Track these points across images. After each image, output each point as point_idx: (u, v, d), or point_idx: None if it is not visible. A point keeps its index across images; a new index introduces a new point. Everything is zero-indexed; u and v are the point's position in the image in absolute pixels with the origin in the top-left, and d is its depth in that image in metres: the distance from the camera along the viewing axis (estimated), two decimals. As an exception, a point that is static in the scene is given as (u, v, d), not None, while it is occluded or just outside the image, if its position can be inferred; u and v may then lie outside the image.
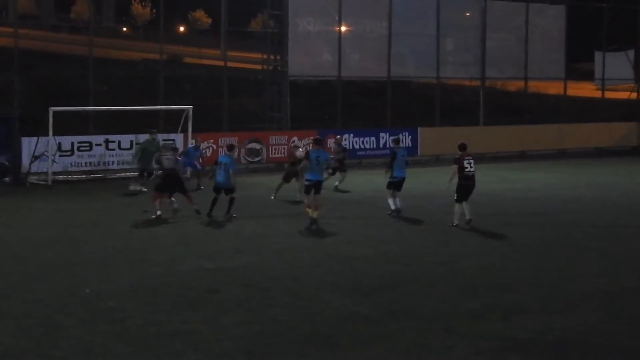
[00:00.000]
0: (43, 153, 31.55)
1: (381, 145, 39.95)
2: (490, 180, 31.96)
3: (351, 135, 39.56)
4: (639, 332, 13.94)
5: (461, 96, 50.45)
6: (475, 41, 44.78)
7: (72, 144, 32.62)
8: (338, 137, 32.99)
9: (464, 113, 45.65)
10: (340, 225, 23.33)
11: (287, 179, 28.02)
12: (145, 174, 29.41)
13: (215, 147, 35.38)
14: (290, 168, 27.83)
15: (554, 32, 47.20)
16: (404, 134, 41.01)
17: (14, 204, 27.11)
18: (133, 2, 60.34)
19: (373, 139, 40.39)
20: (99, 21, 53.77)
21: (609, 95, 50.97)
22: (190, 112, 33.75)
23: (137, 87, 41.76)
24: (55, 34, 58.06)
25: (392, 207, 24.68)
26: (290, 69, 39.33)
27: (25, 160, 31.68)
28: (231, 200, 24.26)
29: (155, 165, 27.80)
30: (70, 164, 32.57)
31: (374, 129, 41.22)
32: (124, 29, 62.37)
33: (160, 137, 32.07)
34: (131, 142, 33.34)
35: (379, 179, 25.86)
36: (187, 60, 53.12)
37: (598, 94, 50.14)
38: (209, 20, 57.62)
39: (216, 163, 24.97)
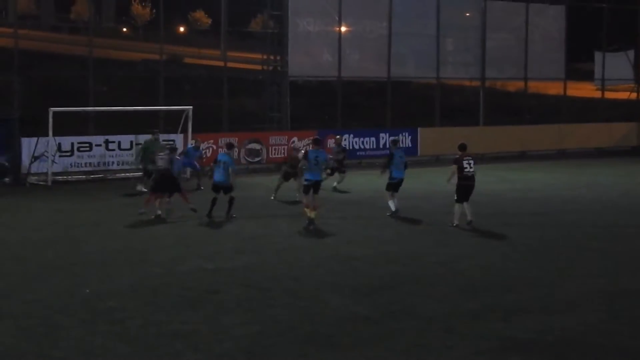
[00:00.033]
0: (43, 153, 31.54)
1: (381, 146, 39.94)
2: (490, 180, 31.96)
3: (351, 135, 39.56)
4: (639, 332, 13.94)
5: (461, 96, 50.46)
6: (475, 41, 44.79)
7: (72, 144, 32.61)
8: (338, 137, 32.99)
9: (463, 113, 45.65)
10: (340, 225, 23.33)
11: (286, 178, 28.04)
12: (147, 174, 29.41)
13: (215, 147, 35.35)
14: (289, 169, 27.83)
15: (554, 33, 47.21)
16: (403, 134, 41.06)
17: (14, 205, 27.10)
18: (133, 2, 60.27)
19: (373, 139, 40.38)
20: (99, 21, 53.70)
21: (609, 95, 50.98)
22: (190, 113, 33.75)
23: (137, 87, 41.77)
24: (55, 35, 58.06)
25: (393, 208, 24.68)
26: (290, 69, 39.33)
27: (25, 160, 31.68)
28: (231, 201, 24.26)
29: (150, 166, 27.79)
30: (70, 164, 32.56)
31: (374, 129, 41.21)
32: (124, 29, 62.33)
33: (161, 137, 32.01)
34: (131, 142, 33.34)
35: (379, 179, 25.83)
36: (187, 60, 53.12)
37: (598, 94, 50.14)
38: (209, 21, 57.55)
39: (215, 162, 24.98)
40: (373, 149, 40.03)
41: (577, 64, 53.64)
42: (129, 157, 33.05)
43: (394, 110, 42.33)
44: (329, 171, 28.91)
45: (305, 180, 23.48)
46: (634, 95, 51.83)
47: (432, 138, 41.77)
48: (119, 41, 54.85)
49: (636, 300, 15.95)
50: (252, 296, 15.66)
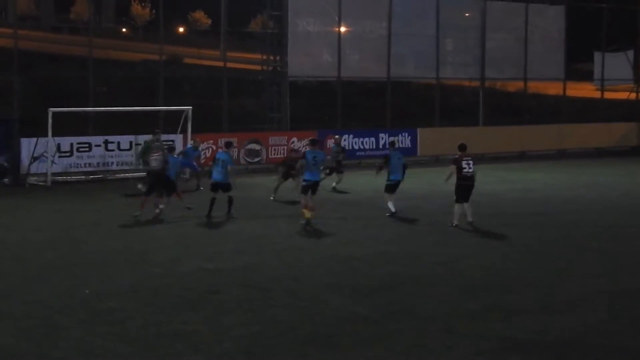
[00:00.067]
0: (42, 154, 31.54)
1: (380, 146, 39.93)
2: (490, 180, 31.95)
3: (350, 135, 39.57)
4: (639, 332, 13.94)
5: (461, 97, 50.46)
6: (475, 42, 44.81)
7: (72, 145, 32.61)
8: (337, 136, 33.00)
9: (463, 114, 45.64)
10: (340, 225, 23.33)
11: (285, 177, 28.08)
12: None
13: (214, 147, 35.32)
14: (288, 169, 27.85)
15: (554, 33, 47.24)
16: (403, 134, 41.09)
17: (14, 205, 27.10)
18: (132, 2, 60.27)
19: (372, 139, 40.39)
20: (99, 22, 53.74)
21: (609, 95, 50.98)
22: (190, 113, 33.75)
23: (136, 87, 41.75)
24: (55, 35, 58.07)
25: (393, 209, 24.67)
26: (289, 69, 39.35)
27: (25, 161, 31.68)
28: (230, 200, 24.26)
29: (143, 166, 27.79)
30: (70, 164, 32.56)
31: (373, 129, 41.21)
32: (124, 29, 62.35)
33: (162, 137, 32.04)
34: (130, 142, 33.34)
35: (378, 179, 25.83)
36: (187, 60, 53.10)
37: (597, 95, 50.17)
38: (209, 21, 57.62)
39: (214, 160, 25.00)
40: (372, 149, 40.02)
41: (577, 64, 53.66)
42: (129, 157, 33.05)
43: (393, 110, 42.34)
44: (327, 171, 28.95)
45: (304, 180, 23.51)
46: (633, 96, 51.85)
47: (431, 138, 41.78)
48: (119, 41, 54.87)
49: (636, 300, 15.95)
50: (252, 296, 15.66)
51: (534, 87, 49.20)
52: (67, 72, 40.72)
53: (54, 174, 31.59)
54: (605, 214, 26.23)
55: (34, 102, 35.10)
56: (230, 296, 15.67)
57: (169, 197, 24.51)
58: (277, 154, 37.11)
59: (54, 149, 31.70)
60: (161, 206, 24.25)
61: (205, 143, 34.84)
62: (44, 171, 31.46)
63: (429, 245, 20.76)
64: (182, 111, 34.04)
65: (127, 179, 31.83)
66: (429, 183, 31.29)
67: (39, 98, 36.14)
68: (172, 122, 34.84)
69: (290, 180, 27.71)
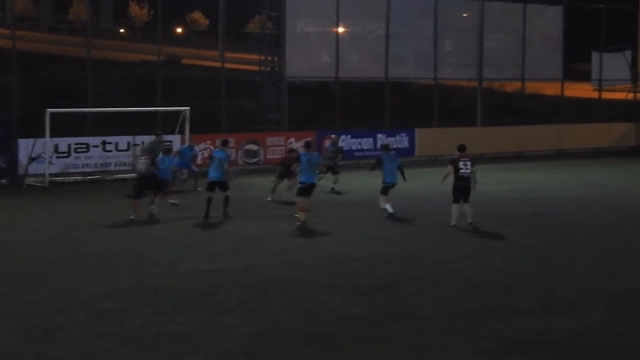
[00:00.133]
0: (40, 155, 31.52)
1: (378, 146, 39.84)
2: (489, 181, 31.88)
3: (349, 136, 39.57)
4: (639, 332, 13.92)
5: (459, 97, 50.46)
6: (473, 42, 44.80)
7: (69, 145, 32.59)
8: (333, 136, 32.94)
9: (462, 114, 45.62)
10: (339, 226, 23.33)
11: (281, 177, 28.10)
12: None
13: (212, 148, 35.28)
14: (285, 169, 27.87)
15: (552, 33, 47.25)
16: (400, 134, 41.09)
17: (12, 206, 27.08)
18: (131, 3, 60.28)
19: (370, 139, 40.38)
20: (97, 23, 53.75)
21: (607, 95, 50.99)
22: (188, 114, 33.72)
23: (135, 88, 41.73)
24: (53, 36, 58.05)
25: (391, 210, 24.64)
26: (288, 70, 39.33)
27: (23, 161, 31.64)
28: (226, 200, 24.19)
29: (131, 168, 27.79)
30: (68, 165, 32.54)
31: (371, 130, 41.20)
32: (122, 30, 62.35)
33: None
34: (128, 143, 33.31)
35: (377, 180, 25.82)
36: (185, 61, 53.09)
37: (595, 95, 50.18)
38: (207, 22, 57.57)
39: (210, 158, 25.00)
40: (370, 150, 39.99)
41: (575, 65, 53.66)
42: (127, 158, 33.03)
43: (393, 111, 42.33)
44: (323, 169, 28.93)
45: (300, 183, 23.52)
46: (630, 96, 51.86)
47: (429, 138, 41.78)
48: (117, 42, 54.86)
49: (636, 300, 15.93)
50: (251, 297, 15.64)
51: (532, 87, 49.20)
52: (65, 73, 40.70)
53: (51, 175, 31.57)
54: (605, 214, 26.23)
55: (33, 102, 35.09)
56: (229, 296, 15.65)
57: (157, 196, 24.40)
58: (275, 155, 37.08)
59: (52, 149, 31.66)
60: (155, 208, 24.17)
61: (203, 144, 34.81)
62: (42, 172, 31.43)
63: (429, 246, 20.76)
64: (180, 112, 34.01)
65: (126, 179, 31.78)
66: (428, 184, 31.21)
67: (38, 99, 36.15)
68: (170, 123, 34.80)
69: (286, 180, 27.76)
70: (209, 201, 24.06)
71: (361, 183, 31.65)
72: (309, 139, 27.32)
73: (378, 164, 25.44)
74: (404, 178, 25.32)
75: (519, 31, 45.75)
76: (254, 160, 37.35)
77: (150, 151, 28.24)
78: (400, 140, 40.72)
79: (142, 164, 24.77)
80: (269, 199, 27.68)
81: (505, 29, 46.04)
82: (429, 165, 38.88)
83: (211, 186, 24.33)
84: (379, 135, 40.36)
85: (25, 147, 31.66)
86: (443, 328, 13.80)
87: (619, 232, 22.95)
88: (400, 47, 42.24)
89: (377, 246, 20.58)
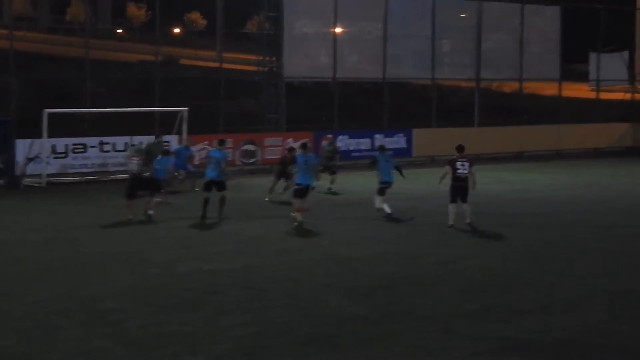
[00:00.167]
0: (37, 155, 31.49)
1: (376, 147, 39.81)
2: (488, 181, 31.85)
3: (346, 136, 39.56)
4: (639, 332, 13.91)
5: (457, 97, 50.45)
6: (471, 42, 44.77)
7: (67, 146, 32.56)
8: (330, 135, 32.87)
9: (460, 114, 45.63)
10: (338, 226, 23.31)
11: (279, 177, 28.10)
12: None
13: (210, 148, 35.25)
14: (283, 168, 27.87)
15: (550, 34, 47.24)
16: (398, 135, 41.07)
17: (10, 206, 27.04)
18: (129, 3, 60.25)
19: (368, 140, 40.37)
20: (95, 23, 53.70)
21: (604, 96, 51.01)
22: (186, 114, 33.70)
23: (133, 88, 41.71)
24: (51, 36, 58.02)
25: (388, 210, 24.62)
26: (286, 70, 39.33)
27: (21, 162, 31.59)
28: (222, 200, 24.11)
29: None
30: (65, 166, 32.50)
31: (369, 130, 41.18)
32: (120, 30, 62.32)
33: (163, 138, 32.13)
34: (126, 144, 33.26)
35: (375, 180, 25.80)
36: (183, 61, 53.06)
37: (593, 95, 50.20)
38: (205, 22, 57.56)
39: (207, 158, 24.98)
40: (368, 150, 39.96)
41: (573, 65, 53.66)
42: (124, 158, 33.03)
43: (391, 111, 42.32)
44: (320, 168, 28.85)
45: (296, 184, 23.51)
46: (628, 96, 51.87)
47: (427, 139, 41.76)
48: (115, 43, 54.83)
49: (636, 300, 15.92)
50: (251, 297, 15.61)
51: (530, 87, 49.20)
52: (63, 73, 40.68)
53: (49, 175, 31.53)
54: (604, 214, 26.23)
55: (31, 103, 35.06)
56: (229, 297, 15.63)
57: (154, 196, 24.36)
58: (272, 155, 37.03)
59: (49, 150, 31.63)
60: (151, 210, 24.12)
61: (200, 144, 34.75)
62: (40, 172, 31.38)
63: (428, 246, 20.74)
64: (179, 112, 33.98)
65: (124, 180, 31.70)
66: (426, 184, 31.20)
67: (36, 99, 36.13)
68: (168, 124, 34.78)
69: (282, 180, 27.78)
70: (206, 201, 24.00)
71: (359, 183, 31.63)
72: (305, 141, 27.31)
73: (373, 164, 25.47)
74: (402, 174, 25.33)
75: (516, 31, 45.77)
76: (252, 160, 37.32)
77: (149, 152, 28.28)
78: (398, 141, 40.70)
79: (133, 164, 24.73)
80: (267, 199, 27.66)
81: (503, 29, 46.06)
82: (427, 165, 38.82)
83: (208, 186, 24.28)
84: (377, 136, 40.33)
85: (22, 147, 31.61)
86: (443, 328, 13.78)
87: (618, 232, 22.96)
88: (398, 47, 42.23)
89: (377, 246, 20.57)
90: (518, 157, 44.15)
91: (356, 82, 45.02)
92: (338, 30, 40.94)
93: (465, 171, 23.11)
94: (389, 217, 24.38)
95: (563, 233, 22.54)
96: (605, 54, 49.65)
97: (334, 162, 30.66)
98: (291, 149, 29.82)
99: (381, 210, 24.69)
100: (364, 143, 40.23)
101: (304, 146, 24.47)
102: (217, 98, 38.08)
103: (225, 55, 39.72)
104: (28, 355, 12.39)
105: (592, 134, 47.43)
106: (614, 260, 19.26)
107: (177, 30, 58.79)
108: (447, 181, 23.41)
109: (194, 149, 32.77)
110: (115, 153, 33.20)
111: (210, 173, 24.21)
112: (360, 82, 45.54)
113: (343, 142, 38.72)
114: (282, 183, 28.04)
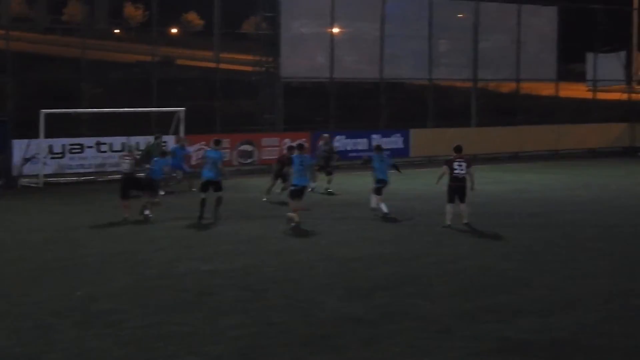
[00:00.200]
0: (34, 155, 31.45)
1: (373, 147, 39.78)
2: (486, 181, 31.82)
3: (343, 137, 39.54)
4: (637, 332, 13.89)
5: (455, 97, 50.41)
6: (468, 43, 44.77)
7: (64, 146, 32.51)
8: (326, 135, 32.72)
9: (457, 114, 45.61)
10: (336, 226, 23.30)
11: (276, 177, 28.07)
12: None
13: (207, 148, 35.19)
14: (281, 168, 27.86)
15: (547, 34, 47.25)
16: (395, 135, 41.05)
17: (7, 207, 27.03)
18: (126, 4, 60.15)
19: (365, 140, 40.34)
20: (92, 23, 53.56)
21: (602, 96, 51.02)
22: (182, 114, 33.65)
23: (130, 89, 41.64)
24: (49, 36, 57.87)
25: (385, 210, 24.57)
26: (283, 70, 39.31)
27: (17, 162, 31.55)
28: (218, 200, 24.04)
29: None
30: (62, 166, 32.45)
31: (366, 130, 41.16)
32: (117, 31, 62.20)
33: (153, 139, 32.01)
34: (122, 144, 33.18)
35: (372, 180, 25.78)
36: (180, 62, 52.97)
37: (590, 95, 50.20)
38: (202, 22, 57.47)
39: (204, 159, 24.96)
40: (365, 151, 39.90)
41: (570, 65, 53.67)
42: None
43: (389, 111, 42.30)
44: (317, 167, 28.83)
45: (292, 185, 23.49)
46: (625, 96, 51.88)
47: (424, 139, 41.75)
48: (112, 43, 54.73)
49: (635, 300, 15.88)
50: (248, 298, 15.58)
51: (527, 88, 49.20)
52: (60, 74, 40.61)
53: (46, 176, 31.48)
54: (604, 214, 26.22)
55: (28, 103, 34.97)
56: (226, 297, 15.60)
57: (150, 197, 24.30)
58: (269, 155, 36.97)
59: (46, 150, 31.58)
60: (147, 210, 24.06)
61: (197, 144, 34.68)
62: (36, 173, 31.33)
63: (426, 246, 20.71)
64: (176, 112, 33.93)
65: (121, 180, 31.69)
66: (425, 184, 31.18)
67: (33, 99, 36.00)
68: (166, 124, 34.74)
69: (280, 180, 27.75)
70: (203, 202, 23.95)
71: (358, 184, 31.57)
72: (301, 141, 27.29)
73: (367, 162, 25.50)
74: (399, 171, 25.37)
75: (514, 32, 45.78)
76: (249, 160, 37.28)
77: (148, 153, 28.26)
78: (395, 141, 40.68)
79: (125, 164, 24.68)
80: (265, 199, 27.61)
81: (500, 29, 46.08)
82: (424, 165, 38.80)
83: (205, 186, 24.24)
84: (374, 136, 40.30)
85: (20, 148, 31.55)
86: (441, 328, 13.75)
87: (618, 232, 22.94)
88: (395, 47, 42.23)
89: (375, 247, 20.54)
90: (516, 158, 44.15)
91: (353, 82, 44.94)
92: (335, 30, 40.95)
93: (463, 171, 23.12)
94: (386, 217, 24.35)
95: (562, 233, 22.53)
96: (603, 54, 49.68)
97: (330, 162, 30.60)
98: (291, 148, 29.80)
99: (376, 210, 24.67)
100: (361, 143, 40.23)
101: (300, 147, 24.45)
102: (214, 98, 38.04)
103: (223, 55, 39.72)
104: (27, 355, 12.36)
105: (590, 134, 47.45)
106: (614, 260, 19.25)
107: (174, 30, 58.62)
108: (445, 181, 23.40)
109: (190, 148, 32.68)
110: (112, 153, 33.13)
111: (207, 173, 24.17)
112: (357, 82, 45.44)
113: (340, 142, 38.68)
114: (279, 183, 27.99)
